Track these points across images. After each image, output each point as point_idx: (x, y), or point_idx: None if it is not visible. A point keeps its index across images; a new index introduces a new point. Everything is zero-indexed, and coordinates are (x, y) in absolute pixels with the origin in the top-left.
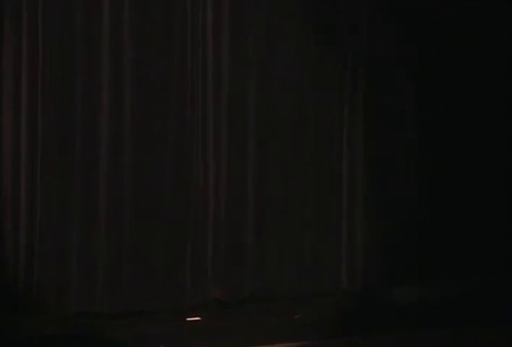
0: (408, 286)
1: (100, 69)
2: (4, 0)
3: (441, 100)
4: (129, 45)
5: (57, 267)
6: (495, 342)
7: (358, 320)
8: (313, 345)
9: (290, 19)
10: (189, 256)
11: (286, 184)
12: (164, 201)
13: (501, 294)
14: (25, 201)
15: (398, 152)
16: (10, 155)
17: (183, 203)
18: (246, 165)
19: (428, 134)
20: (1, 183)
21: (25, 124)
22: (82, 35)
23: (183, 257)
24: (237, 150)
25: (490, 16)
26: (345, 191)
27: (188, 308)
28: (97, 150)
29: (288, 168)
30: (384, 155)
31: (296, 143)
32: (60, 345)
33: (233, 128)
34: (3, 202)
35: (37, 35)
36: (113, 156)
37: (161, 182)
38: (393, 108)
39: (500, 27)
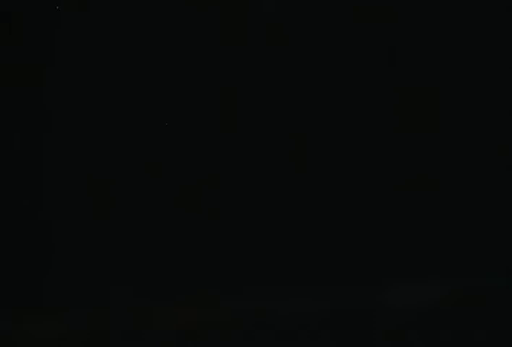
0: (408, 286)
1: None
2: None
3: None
4: None
5: None
6: (495, 342)
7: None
8: (313, 345)
9: None
10: None
11: None
12: None
13: (501, 294)
14: None
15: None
16: None
17: None
18: None
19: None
20: None
21: None
22: None
23: None
24: None
25: (490, 16)
26: None
27: None
28: None
29: None
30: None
31: None
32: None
33: None
34: None
35: None
36: None
37: None
38: None
39: (500, 27)
